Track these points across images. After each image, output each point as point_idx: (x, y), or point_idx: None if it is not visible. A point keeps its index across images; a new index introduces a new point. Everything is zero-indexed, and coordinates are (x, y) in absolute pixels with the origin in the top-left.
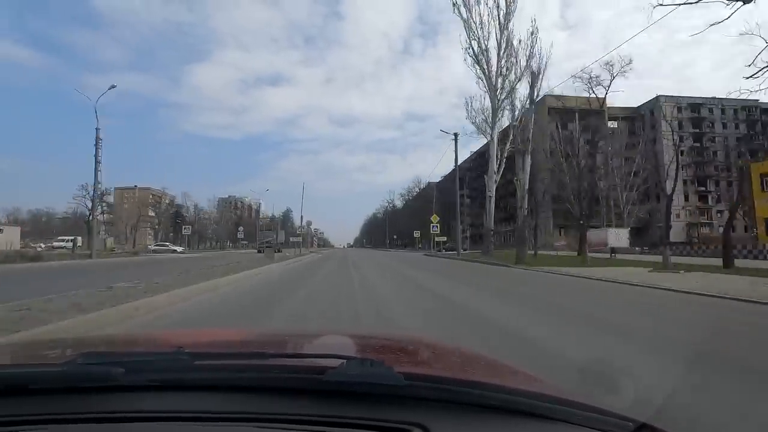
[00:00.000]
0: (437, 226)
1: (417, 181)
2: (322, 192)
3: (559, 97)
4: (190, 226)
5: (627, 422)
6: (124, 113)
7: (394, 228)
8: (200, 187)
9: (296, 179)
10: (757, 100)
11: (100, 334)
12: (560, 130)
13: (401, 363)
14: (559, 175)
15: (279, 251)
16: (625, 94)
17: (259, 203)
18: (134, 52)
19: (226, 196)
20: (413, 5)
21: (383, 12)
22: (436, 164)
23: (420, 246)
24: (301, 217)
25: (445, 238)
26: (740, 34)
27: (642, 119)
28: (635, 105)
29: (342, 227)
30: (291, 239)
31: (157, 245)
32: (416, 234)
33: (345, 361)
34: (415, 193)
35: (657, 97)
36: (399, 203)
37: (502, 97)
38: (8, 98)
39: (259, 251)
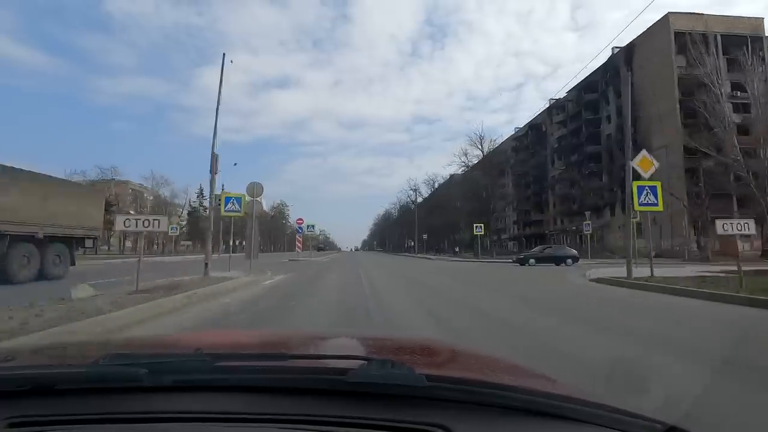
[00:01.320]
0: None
1: (475, 139)
2: (329, 195)
3: (688, 16)
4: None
5: (655, 424)
6: (135, 117)
7: (413, 227)
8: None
9: (304, 182)
10: None
11: (124, 336)
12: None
13: (421, 364)
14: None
15: None
16: None
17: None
18: (145, 56)
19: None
20: (421, 7)
21: (391, 14)
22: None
23: (452, 249)
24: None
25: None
26: None
27: None
28: None
29: (350, 230)
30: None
31: None
32: (478, 230)
33: (366, 362)
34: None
35: None
36: (425, 190)
37: None
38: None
39: None
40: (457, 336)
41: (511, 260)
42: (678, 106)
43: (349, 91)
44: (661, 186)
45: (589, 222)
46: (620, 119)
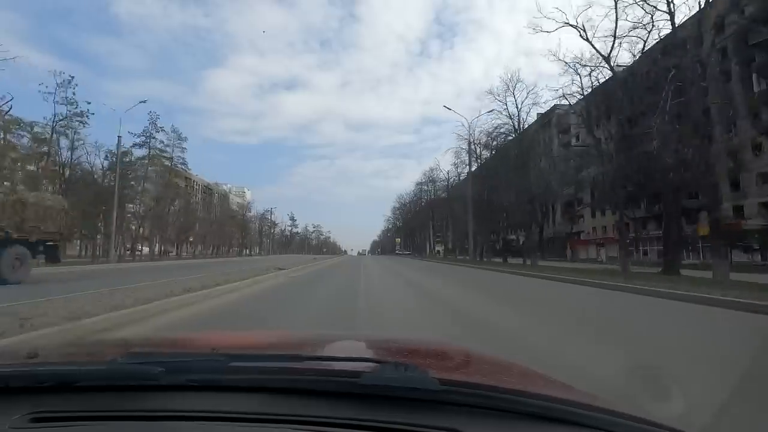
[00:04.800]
0: None
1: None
2: (337, 198)
3: None
4: None
5: None
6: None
7: (438, 218)
8: None
9: (312, 185)
10: None
11: (142, 334)
12: None
13: (435, 368)
14: None
15: None
16: None
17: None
18: (153, 58)
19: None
20: (430, 5)
21: (400, 12)
22: None
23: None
24: None
25: None
26: None
27: None
28: None
29: (357, 233)
30: None
31: None
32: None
33: (380, 364)
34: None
35: None
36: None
37: None
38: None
39: None
40: None
41: None
42: None
43: (357, 92)
44: None
45: None
46: None
